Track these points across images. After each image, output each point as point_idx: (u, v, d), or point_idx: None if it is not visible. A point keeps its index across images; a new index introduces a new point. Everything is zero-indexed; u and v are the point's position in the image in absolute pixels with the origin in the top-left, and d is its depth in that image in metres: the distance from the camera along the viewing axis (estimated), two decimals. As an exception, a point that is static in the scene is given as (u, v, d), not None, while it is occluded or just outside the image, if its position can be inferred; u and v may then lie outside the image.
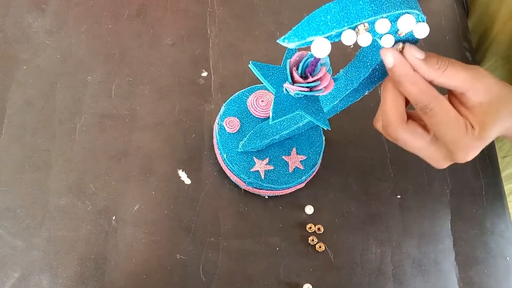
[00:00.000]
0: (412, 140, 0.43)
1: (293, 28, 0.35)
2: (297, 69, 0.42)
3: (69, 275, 0.54)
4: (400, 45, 0.39)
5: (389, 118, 0.43)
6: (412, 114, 0.44)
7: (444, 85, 0.41)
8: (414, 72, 0.40)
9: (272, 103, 0.42)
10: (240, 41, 0.70)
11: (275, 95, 0.42)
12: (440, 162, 0.44)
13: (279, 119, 0.43)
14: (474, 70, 0.41)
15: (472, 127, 0.41)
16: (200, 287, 0.56)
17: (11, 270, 0.53)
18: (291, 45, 0.35)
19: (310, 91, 0.42)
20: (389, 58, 0.39)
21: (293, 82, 0.42)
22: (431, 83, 0.40)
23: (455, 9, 0.79)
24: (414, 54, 0.39)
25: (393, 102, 0.42)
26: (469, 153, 0.42)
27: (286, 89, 0.42)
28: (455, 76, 0.40)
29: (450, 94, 0.43)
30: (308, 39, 0.35)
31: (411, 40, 0.40)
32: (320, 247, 0.59)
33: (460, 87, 0.40)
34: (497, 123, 0.41)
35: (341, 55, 0.68)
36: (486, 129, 0.41)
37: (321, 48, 0.35)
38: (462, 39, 0.77)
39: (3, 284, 0.52)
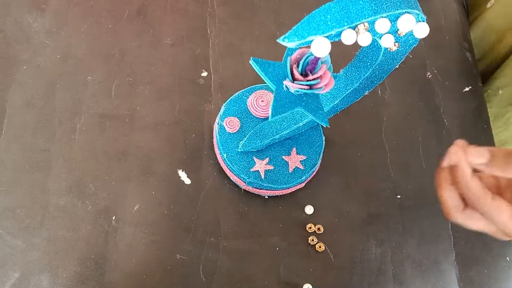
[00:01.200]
0: (472, 224, 0.44)
1: (293, 28, 0.36)
2: (298, 66, 0.42)
3: (69, 275, 0.54)
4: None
5: (445, 208, 0.44)
6: None
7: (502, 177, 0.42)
8: (472, 178, 0.41)
9: (272, 100, 0.42)
10: (240, 41, 0.70)
11: (275, 92, 0.42)
12: (504, 237, 0.45)
13: (279, 116, 0.43)
14: None
15: None
16: (200, 287, 0.55)
17: (11, 270, 0.53)
18: (291, 45, 0.36)
19: (310, 89, 0.42)
20: (454, 159, 0.41)
21: (293, 79, 0.42)
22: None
23: (455, 9, 0.79)
24: (475, 160, 0.40)
25: (447, 197, 0.43)
26: None
27: (286, 86, 0.42)
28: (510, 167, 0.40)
29: (495, 177, 0.44)
30: (308, 39, 0.35)
31: (409, 42, 0.40)
32: (320, 247, 0.59)
33: None
34: None
35: (342, 54, 0.68)
36: None
37: (321, 47, 0.35)
38: (462, 39, 0.77)
39: (3, 284, 0.52)
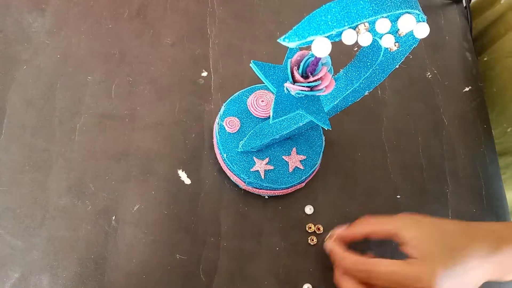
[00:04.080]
0: None
1: (293, 28, 0.36)
2: (298, 68, 0.42)
3: (69, 275, 0.54)
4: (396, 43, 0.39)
5: None
6: None
7: (376, 233, 0.53)
8: (344, 251, 0.53)
9: (273, 103, 0.42)
10: (240, 41, 0.70)
11: (275, 95, 0.42)
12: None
13: (280, 119, 0.43)
14: (397, 215, 0.52)
15: (411, 257, 0.49)
16: (200, 287, 0.55)
17: (11, 270, 0.53)
18: (292, 45, 0.36)
19: (311, 90, 0.42)
20: (327, 248, 0.55)
21: (294, 81, 0.42)
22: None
23: (455, 9, 0.79)
24: (338, 230, 0.56)
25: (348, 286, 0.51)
26: (431, 279, 0.47)
27: (287, 89, 0.42)
28: (378, 231, 0.52)
29: (386, 236, 0.52)
30: (309, 39, 0.35)
31: (409, 42, 0.40)
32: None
33: (391, 229, 0.51)
34: (437, 251, 0.48)
35: (342, 54, 0.68)
36: (427, 256, 0.48)
37: (321, 47, 0.35)
38: (462, 39, 0.77)
39: (3, 284, 0.52)
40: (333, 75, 0.44)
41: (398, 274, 0.47)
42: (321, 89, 0.43)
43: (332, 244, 0.55)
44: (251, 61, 0.42)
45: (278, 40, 0.36)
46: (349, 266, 0.51)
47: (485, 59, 0.79)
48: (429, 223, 0.51)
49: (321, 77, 0.42)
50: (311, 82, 0.42)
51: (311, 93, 0.42)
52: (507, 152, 0.77)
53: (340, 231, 0.55)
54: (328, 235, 0.56)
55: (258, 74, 0.43)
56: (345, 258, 0.52)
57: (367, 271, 0.49)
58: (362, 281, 0.50)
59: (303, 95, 0.43)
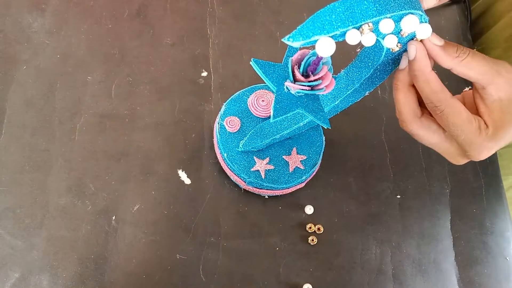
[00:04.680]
0: (427, 136, 0.43)
1: (298, 27, 0.35)
2: (299, 67, 0.42)
3: (69, 275, 0.54)
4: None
5: (402, 114, 0.43)
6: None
7: (464, 75, 0.40)
8: (431, 71, 0.40)
9: (273, 101, 0.42)
10: (240, 41, 0.70)
11: (276, 93, 0.42)
12: (456, 158, 0.44)
13: (280, 117, 0.43)
14: (498, 64, 0.40)
15: (487, 126, 0.41)
16: (200, 287, 0.55)
17: (11, 270, 0.53)
18: (296, 44, 0.36)
19: (311, 90, 0.42)
20: (412, 51, 0.40)
21: (295, 80, 0.42)
22: (447, 77, 0.41)
23: (455, 9, 0.79)
24: (433, 40, 0.39)
25: (404, 99, 0.42)
26: (482, 153, 0.42)
27: (287, 87, 0.42)
28: (475, 67, 0.39)
29: (473, 89, 0.43)
30: (313, 38, 0.35)
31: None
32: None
33: (480, 79, 0.40)
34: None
35: (342, 54, 0.68)
36: (500, 129, 0.40)
37: (326, 47, 0.35)
38: (462, 39, 0.77)
39: (3, 284, 0.52)
40: (332, 75, 0.44)
41: (464, 133, 0.41)
42: (322, 89, 0.43)
43: (422, 52, 0.40)
44: (252, 59, 0.42)
45: (282, 40, 0.36)
46: (426, 90, 0.41)
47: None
48: None
49: (321, 77, 0.42)
50: (311, 81, 0.42)
51: (312, 92, 0.42)
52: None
53: (437, 39, 0.40)
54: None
55: (258, 72, 0.42)
56: (428, 80, 0.40)
57: (440, 109, 0.40)
58: (423, 104, 0.43)
59: (303, 94, 0.43)
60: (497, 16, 0.77)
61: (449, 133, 0.42)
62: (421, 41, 0.39)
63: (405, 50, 0.41)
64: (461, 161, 0.44)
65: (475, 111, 0.42)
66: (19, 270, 0.53)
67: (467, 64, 0.39)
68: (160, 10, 0.70)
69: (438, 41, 0.39)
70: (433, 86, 0.40)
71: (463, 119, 0.40)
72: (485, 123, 0.41)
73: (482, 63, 0.39)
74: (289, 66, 0.42)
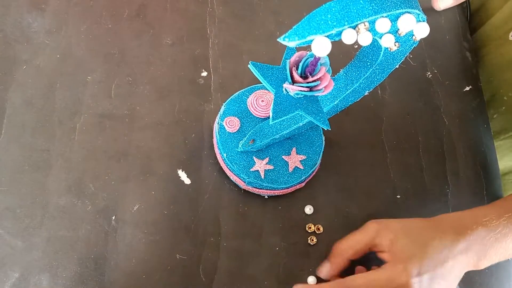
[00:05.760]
0: None
1: (293, 27, 0.35)
2: (297, 69, 0.42)
3: (69, 275, 0.54)
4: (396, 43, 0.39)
5: None
6: None
7: (357, 252, 0.54)
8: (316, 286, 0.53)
9: (272, 104, 0.42)
10: (240, 41, 0.70)
11: (274, 96, 0.42)
12: None
13: (279, 119, 0.43)
14: (365, 225, 0.55)
15: (387, 261, 0.51)
16: (200, 287, 0.55)
17: (11, 270, 0.53)
18: (292, 44, 0.35)
19: (310, 91, 0.42)
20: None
21: (293, 82, 0.42)
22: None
23: (455, 9, 0.79)
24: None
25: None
26: (402, 276, 0.49)
27: (285, 89, 0.42)
28: (357, 242, 0.54)
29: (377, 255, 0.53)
30: (309, 38, 0.35)
31: (410, 42, 0.40)
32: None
33: (367, 242, 0.53)
34: (406, 249, 0.50)
35: (341, 54, 0.68)
36: (395, 254, 0.50)
37: (321, 47, 0.35)
38: (462, 39, 0.77)
39: (3, 284, 0.52)
40: (332, 75, 0.44)
41: (377, 280, 0.49)
42: (320, 89, 0.43)
43: None
44: (250, 62, 0.42)
45: (278, 40, 0.36)
46: None
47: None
48: (397, 224, 0.53)
49: (320, 78, 0.42)
50: (310, 82, 0.42)
51: (310, 93, 0.42)
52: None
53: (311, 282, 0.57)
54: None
55: (256, 75, 0.42)
56: None
57: None
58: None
59: (302, 96, 0.43)
60: (490, 12, 0.77)
61: None
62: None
63: (404, 49, 0.41)
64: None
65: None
66: (19, 270, 0.53)
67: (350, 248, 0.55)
68: (160, 10, 0.70)
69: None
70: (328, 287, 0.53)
71: (365, 276, 0.51)
72: (386, 262, 0.51)
73: (355, 237, 0.55)
74: (287, 68, 0.42)
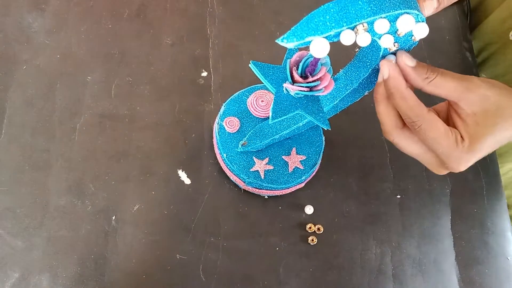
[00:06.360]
0: (408, 147, 0.44)
1: (292, 28, 0.35)
2: (297, 69, 0.42)
3: (69, 275, 0.54)
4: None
5: (383, 125, 0.44)
6: None
7: (434, 93, 0.42)
8: (406, 88, 0.41)
9: (272, 103, 0.42)
10: (240, 41, 0.70)
11: (275, 95, 0.42)
12: (437, 169, 0.45)
13: (279, 119, 0.43)
14: (467, 80, 0.41)
15: (463, 139, 0.42)
16: (200, 287, 0.55)
17: (11, 270, 0.53)
18: (290, 45, 0.35)
19: (310, 91, 0.42)
20: (385, 70, 0.41)
21: (293, 82, 0.42)
22: (421, 93, 0.42)
23: (455, 9, 0.79)
24: (405, 61, 0.41)
25: (384, 111, 0.43)
26: (461, 165, 0.43)
27: (286, 89, 0.42)
28: (443, 86, 0.41)
29: (449, 104, 0.44)
30: (307, 39, 0.35)
31: (409, 42, 0.40)
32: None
33: (450, 96, 0.41)
34: (490, 134, 0.41)
35: (342, 54, 0.68)
36: (476, 141, 0.41)
37: (320, 48, 0.35)
38: (462, 39, 0.77)
39: (3, 284, 0.52)
40: (332, 75, 0.44)
41: (442, 146, 0.41)
42: (320, 90, 0.42)
43: (395, 71, 0.41)
44: (250, 62, 0.42)
45: (276, 41, 0.36)
46: (402, 107, 0.41)
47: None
48: (496, 105, 0.41)
49: (320, 78, 0.42)
50: (310, 82, 0.42)
51: (310, 93, 0.42)
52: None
53: (409, 59, 0.41)
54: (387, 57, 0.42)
55: (257, 75, 0.42)
56: (404, 98, 0.41)
57: (418, 124, 0.41)
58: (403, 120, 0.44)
59: (302, 96, 0.43)
60: (489, 10, 0.77)
61: (427, 146, 0.43)
62: (396, 53, 0.41)
63: (404, 49, 0.41)
64: (442, 171, 0.45)
65: (452, 123, 0.44)
66: (19, 270, 0.53)
67: (436, 84, 0.41)
68: (160, 10, 0.70)
69: (410, 61, 0.41)
70: (409, 103, 0.41)
71: (440, 133, 0.41)
72: (461, 136, 0.42)
73: (450, 81, 0.41)
74: (288, 67, 0.42)
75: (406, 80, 0.41)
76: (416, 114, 0.41)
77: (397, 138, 0.44)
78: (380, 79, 0.42)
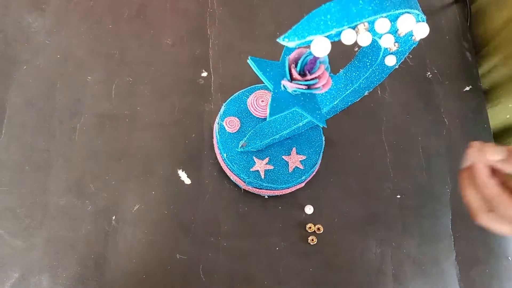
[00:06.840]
0: (497, 227, 0.44)
1: (293, 27, 0.35)
2: (296, 66, 0.42)
3: (69, 275, 0.54)
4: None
5: (470, 210, 0.45)
6: None
7: None
8: (488, 176, 0.42)
9: (270, 100, 0.42)
10: (240, 41, 0.70)
11: (272, 91, 0.42)
12: None
13: (277, 116, 0.43)
14: None
15: None
16: (200, 287, 0.55)
17: (11, 270, 0.53)
18: (291, 44, 0.35)
19: (308, 88, 0.42)
20: (468, 161, 0.43)
21: (291, 79, 0.42)
22: None
23: (455, 9, 0.79)
24: (492, 157, 0.41)
25: (470, 196, 0.44)
26: None
27: (283, 86, 0.42)
28: None
29: None
30: (308, 38, 0.35)
31: (409, 42, 0.40)
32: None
33: None
34: None
35: (341, 54, 0.68)
36: None
37: (321, 47, 0.35)
38: (462, 39, 0.77)
39: (3, 284, 0.52)
40: (330, 73, 0.44)
41: None
42: (318, 88, 0.42)
43: (478, 159, 0.42)
44: (249, 57, 0.42)
45: (277, 40, 0.36)
46: (486, 194, 0.42)
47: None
48: None
49: (318, 76, 0.42)
50: (308, 80, 0.42)
51: (308, 91, 0.42)
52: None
53: (497, 153, 0.41)
54: (473, 144, 0.43)
55: (255, 70, 0.42)
56: (486, 187, 0.42)
57: (497, 208, 0.42)
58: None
59: (300, 93, 0.43)
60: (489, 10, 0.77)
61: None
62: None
63: (404, 49, 0.41)
64: None
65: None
66: (19, 270, 0.53)
67: None
68: (160, 10, 0.70)
69: (498, 155, 0.41)
70: (491, 191, 0.42)
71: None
72: None
73: None
74: (286, 64, 0.42)
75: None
76: (498, 201, 0.42)
77: (485, 221, 0.44)
78: (464, 165, 0.44)
